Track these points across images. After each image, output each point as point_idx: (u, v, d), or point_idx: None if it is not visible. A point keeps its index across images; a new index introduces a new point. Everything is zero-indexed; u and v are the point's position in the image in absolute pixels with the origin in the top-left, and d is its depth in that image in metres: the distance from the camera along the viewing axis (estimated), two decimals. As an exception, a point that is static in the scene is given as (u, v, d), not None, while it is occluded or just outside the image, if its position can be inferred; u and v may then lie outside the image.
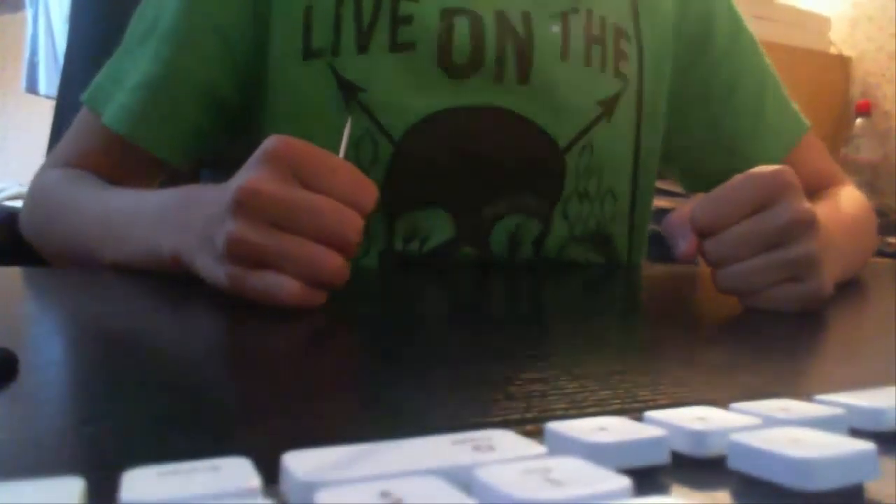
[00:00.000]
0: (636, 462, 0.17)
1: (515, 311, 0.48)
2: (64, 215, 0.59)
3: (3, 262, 0.57)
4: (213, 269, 0.42)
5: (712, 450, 0.18)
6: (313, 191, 0.40)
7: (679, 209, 0.48)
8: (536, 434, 0.18)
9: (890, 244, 1.46)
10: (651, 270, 0.77)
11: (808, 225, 0.43)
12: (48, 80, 2.31)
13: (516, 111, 0.61)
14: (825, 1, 1.92)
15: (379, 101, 0.59)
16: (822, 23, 1.84)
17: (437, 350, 0.33)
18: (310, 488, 0.14)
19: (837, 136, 1.81)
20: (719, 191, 0.44)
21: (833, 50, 1.86)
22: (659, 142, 0.72)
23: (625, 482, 0.14)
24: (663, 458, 0.18)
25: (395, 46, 0.60)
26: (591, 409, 0.24)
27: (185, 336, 0.36)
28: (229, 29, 0.62)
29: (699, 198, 0.45)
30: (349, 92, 0.60)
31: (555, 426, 0.18)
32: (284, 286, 0.39)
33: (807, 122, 0.75)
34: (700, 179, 0.76)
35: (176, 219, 0.46)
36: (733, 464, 0.17)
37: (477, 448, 0.16)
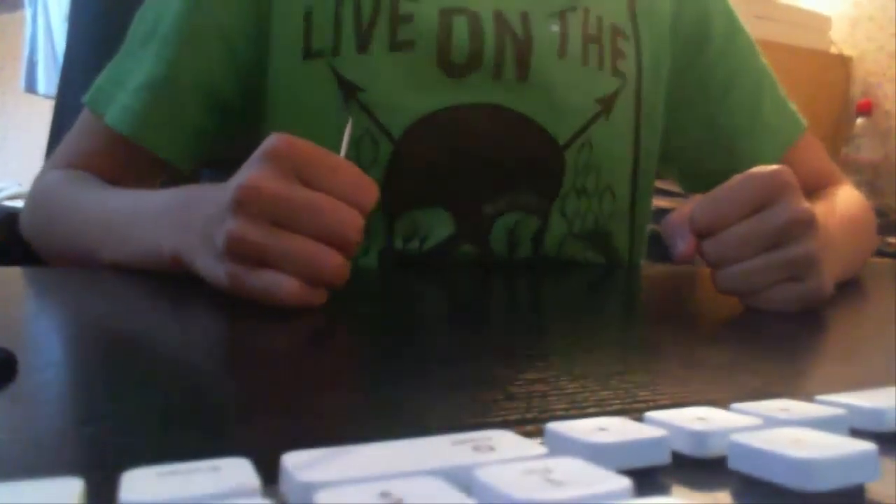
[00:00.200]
0: (636, 462, 0.17)
1: (515, 311, 0.48)
2: (64, 216, 0.59)
3: (2, 261, 0.57)
4: (213, 269, 0.41)
5: (713, 450, 0.18)
6: (314, 189, 0.40)
7: (678, 209, 0.48)
8: (536, 434, 0.18)
9: (890, 244, 1.46)
10: (651, 270, 0.77)
11: (807, 225, 0.43)
12: (47, 80, 2.31)
13: (515, 109, 0.62)
14: (826, 0, 1.92)
15: (378, 101, 0.60)
16: (822, 22, 1.84)
17: (437, 350, 0.33)
18: (309, 489, 0.14)
19: (838, 135, 1.81)
20: (718, 191, 0.44)
21: (834, 49, 1.86)
22: (658, 141, 0.72)
23: (625, 483, 0.14)
24: (664, 458, 0.18)
25: (395, 46, 0.60)
26: (591, 410, 0.24)
27: (185, 336, 0.36)
28: (231, 30, 0.62)
29: (699, 198, 0.45)
30: (349, 91, 0.60)
31: (555, 426, 0.18)
32: (283, 285, 0.39)
33: (804, 121, 0.75)
34: (699, 179, 0.76)
35: (176, 219, 0.46)
36: (734, 464, 0.17)
37: (477, 448, 0.16)
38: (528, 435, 0.17)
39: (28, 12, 2.44)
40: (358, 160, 0.60)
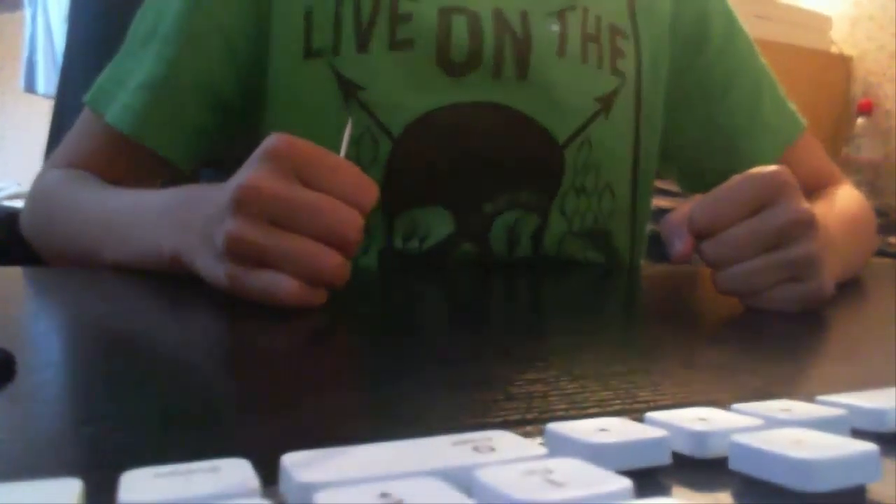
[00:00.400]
0: (637, 463, 0.17)
1: (515, 311, 0.48)
2: (64, 216, 0.59)
3: (1, 261, 0.57)
4: (212, 269, 0.41)
5: (713, 451, 0.18)
6: (314, 189, 0.40)
7: (678, 209, 0.48)
8: (537, 435, 0.18)
9: (890, 244, 1.46)
10: (651, 270, 0.77)
11: (807, 225, 0.43)
12: (46, 80, 2.31)
13: (515, 107, 0.62)
14: (826, 0, 1.91)
15: (378, 100, 0.60)
16: (823, 22, 1.84)
17: (437, 350, 0.33)
18: (309, 489, 0.14)
19: (838, 135, 1.81)
20: (717, 192, 0.44)
21: (834, 49, 1.86)
22: (658, 140, 0.72)
23: (626, 483, 0.14)
24: (664, 459, 0.18)
25: (395, 45, 0.60)
26: (591, 410, 0.24)
27: (184, 336, 0.36)
28: (232, 30, 0.62)
29: (699, 198, 0.45)
30: (349, 90, 0.60)
31: (555, 427, 0.18)
32: (283, 285, 0.39)
33: (804, 121, 0.75)
34: (698, 179, 0.76)
35: (176, 219, 0.46)
36: (734, 465, 0.17)
37: (477, 449, 0.16)
38: (528, 435, 0.17)
39: (28, 12, 2.45)
40: (358, 159, 0.60)
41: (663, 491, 0.17)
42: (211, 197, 0.43)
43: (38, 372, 0.27)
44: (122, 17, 0.66)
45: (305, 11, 0.61)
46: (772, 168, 0.44)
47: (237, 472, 0.15)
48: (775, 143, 0.73)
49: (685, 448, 0.18)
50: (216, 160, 0.71)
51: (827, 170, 0.76)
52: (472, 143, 0.61)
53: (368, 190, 0.41)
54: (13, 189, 2.06)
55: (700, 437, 0.18)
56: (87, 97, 0.65)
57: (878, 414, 0.20)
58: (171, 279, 0.47)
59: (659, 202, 1.23)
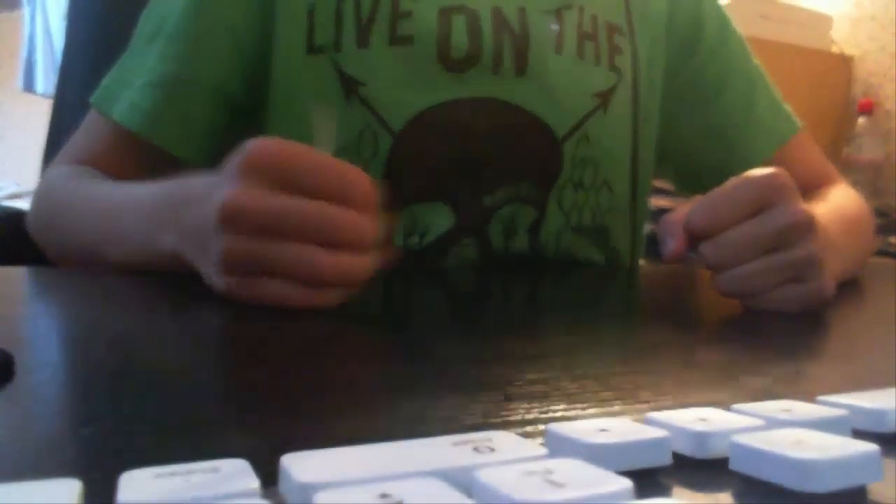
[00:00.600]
0: (637, 463, 0.17)
1: (515, 311, 0.48)
2: (66, 213, 0.59)
3: (1, 261, 0.57)
4: (213, 279, 0.42)
5: (714, 451, 0.18)
6: (300, 192, 0.39)
7: (677, 209, 0.48)
8: (537, 435, 0.18)
9: (891, 244, 1.46)
10: (651, 270, 0.77)
11: (806, 227, 0.43)
12: (45, 79, 2.31)
13: (514, 102, 0.62)
14: (827, 0, 1.91)
15: (379, 96, 0.60)
16: (824, 22, 1.84)
17: (437, 350, 0.33)
18: (309, 490, 0.14)
19: (839, 135, 1.80)
20: (715, 194, 0.44)
21: (835, 49, 1.86)
22: (655, 138, 0.73)
23: (626, 484, 0.14)
24: (665, 459, 0.17)
25: (395, 41, 0.60)
26: (591, 410, 0.24)
27: (184, 337, 0.35)
28: (239, 27, 0.62)
29: (699, 199, 0.45)
30: (350, 86, 0.60)
31: (555, 427, 0.18)
32: (283, 292, 0.39)
33: (799, 122, 0.75)
34: (695, 180, 0.76)
35: (168, 219, 0.46)
36: (735, 465, 0.17)
37: (477, 449, 0.16)
38: (528, 436, 0.17)
39: (26, 11, 2.45)
40: (358, 154, 0.60)
41: (664, 491, 0.17)
42: (195, 199, 0.42)
43: (38, 372, 0.27)
44: (122, 17, 0.66)
45: (308, 8, 0.61)
46: (769, 170, 0.44)
47: (237, 473, 0.15)
48: (769, 141, 0.74)
49: (686, 448, 0.18)
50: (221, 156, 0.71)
51: (823, 170, 0.76)
52: (471, 138, 0.61)
53: (356, 182, 0.40)
54: (12, 189, 2.06)
55: (700, 438, 0.18)
56: (92, 98, 0.65)
57: (878, 414, 0.20)
58: (170, 279, 0.47)
59: (658, 202, 1.23)
